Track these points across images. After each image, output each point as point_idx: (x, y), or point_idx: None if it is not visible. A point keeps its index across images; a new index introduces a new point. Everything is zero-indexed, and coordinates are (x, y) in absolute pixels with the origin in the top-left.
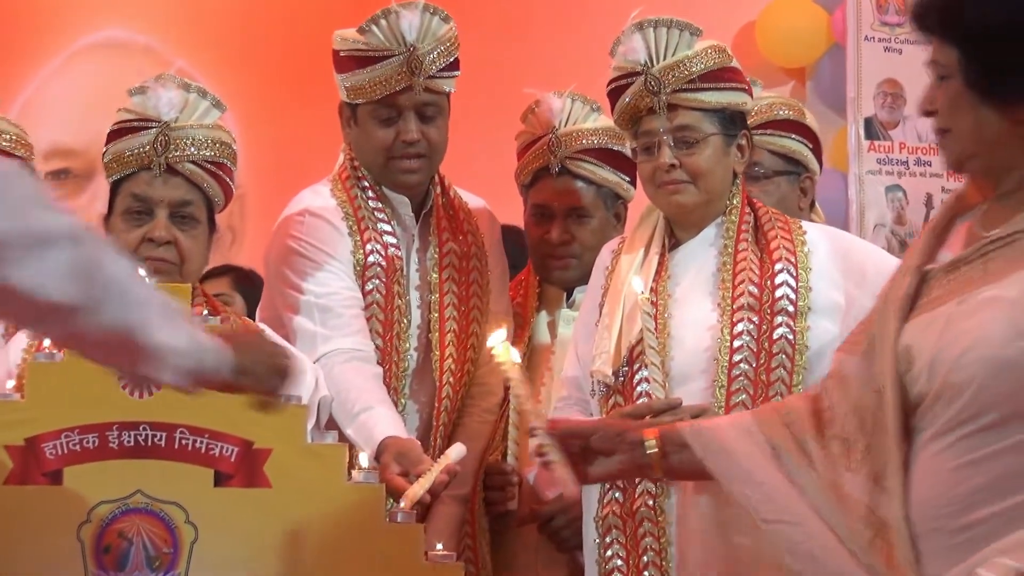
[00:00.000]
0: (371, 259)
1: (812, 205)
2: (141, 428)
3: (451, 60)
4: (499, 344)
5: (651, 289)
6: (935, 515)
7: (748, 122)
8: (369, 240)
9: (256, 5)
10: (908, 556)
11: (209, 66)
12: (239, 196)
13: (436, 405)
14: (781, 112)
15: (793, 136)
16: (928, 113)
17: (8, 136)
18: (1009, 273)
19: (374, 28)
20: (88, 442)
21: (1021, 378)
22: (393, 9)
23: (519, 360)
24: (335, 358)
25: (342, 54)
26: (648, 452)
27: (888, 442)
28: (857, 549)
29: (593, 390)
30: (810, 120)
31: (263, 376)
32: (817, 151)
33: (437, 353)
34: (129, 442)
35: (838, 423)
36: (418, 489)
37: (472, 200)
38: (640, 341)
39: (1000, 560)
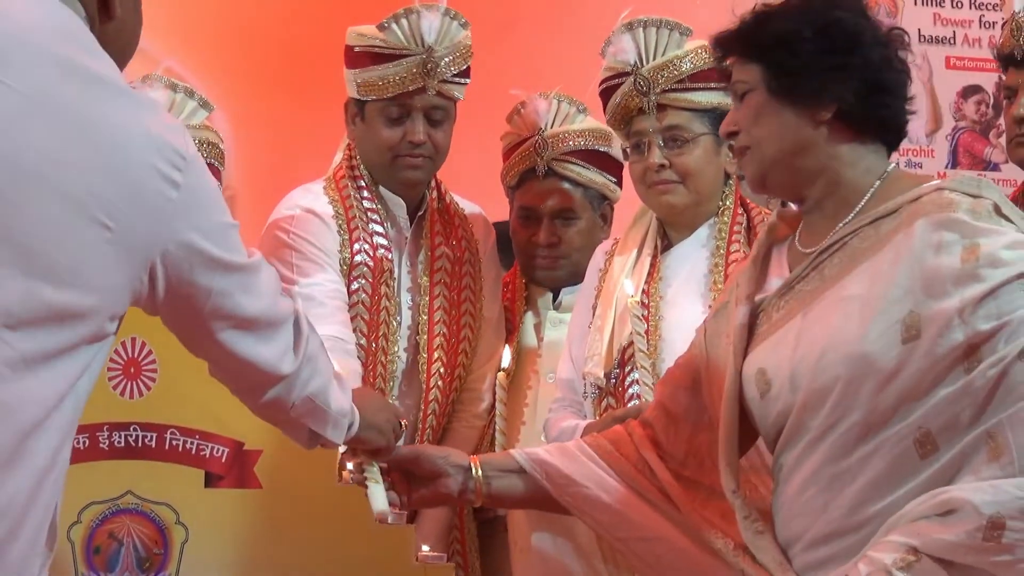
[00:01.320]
0: (358, 258)
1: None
2: (131, 429)
3: (464, 67)
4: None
5: (642, 291)
6: (828, 519)
7: None
8: (357, 239)
9: (248, 6)
10: (776, 558)
11: (200, 67)
12: (230, 197)
13: (423, 408)
14: None
15: None
16: (730, 135)
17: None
18: (846, 274)
19: (394, 26)
20: (78, 442)
21: (881, 371)
22: (415, 9)
23: (510, 362)
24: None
25: (356, 49)
26: (473, 476)
27: (726, 479)
28: (728, 558)
29: (585, 392)
30: None
31: (385, 433)
32: None
33: (425, 356)
34: (119, 443)
35: (677, 461)
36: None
37: (468, 206)
38: (631, 343)
39: (889, 539)
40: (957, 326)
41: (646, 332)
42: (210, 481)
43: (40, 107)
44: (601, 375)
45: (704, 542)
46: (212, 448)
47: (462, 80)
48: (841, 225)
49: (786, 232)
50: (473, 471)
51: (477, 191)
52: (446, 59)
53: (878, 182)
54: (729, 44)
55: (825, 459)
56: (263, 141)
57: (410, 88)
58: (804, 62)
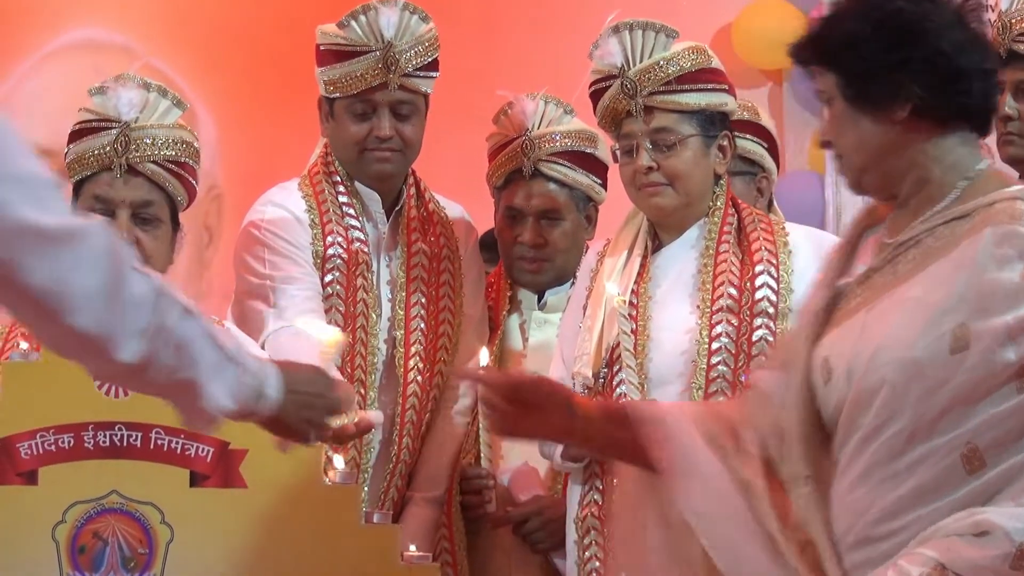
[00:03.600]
0: (330, 251)
1: (770, 205)
2: (117, 428)
3: (429, 61)
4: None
5: (632, 291)
6: (867, 521)
7: None
8: (331, 233)
9: (234, 6)
10: (835, 571)
11: (187, 67)
12: (216, 196)
13: (402, 403)
14: (740, 114)
15: (748, 136)
16: (825, 144)
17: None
18: (916, 272)
19: (353, 23)
20: (63, 442)
21: (928, 379)
22: (372, 5)
23: (487, 363)
24: (283, 333)
25: (322, 48)
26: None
27: (796, 464)
28: (786, 552)
29: (582, 391)
30: (765, 120)
31: (302, 425)
32: (773, 151)
33: (401, 351)
34: (104, 442)
35: (759, 442)
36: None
37: (449, 205)
38: (619, 344)
39: (920, 551)
40: (1008, 345)
41: (634, 332)
42: (195, 481)
43: None
44: (589, 375)
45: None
46: (197, 448)
47: (428, 74)
48: (919, 221)
49: (884, 212)
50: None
51: (463, 192)
52: (407, 53)
53: (965, 181)
54: (804, 53)
55: (876, 460)
56: (249, 141)
57: (372, 84)
58: (869, 64)
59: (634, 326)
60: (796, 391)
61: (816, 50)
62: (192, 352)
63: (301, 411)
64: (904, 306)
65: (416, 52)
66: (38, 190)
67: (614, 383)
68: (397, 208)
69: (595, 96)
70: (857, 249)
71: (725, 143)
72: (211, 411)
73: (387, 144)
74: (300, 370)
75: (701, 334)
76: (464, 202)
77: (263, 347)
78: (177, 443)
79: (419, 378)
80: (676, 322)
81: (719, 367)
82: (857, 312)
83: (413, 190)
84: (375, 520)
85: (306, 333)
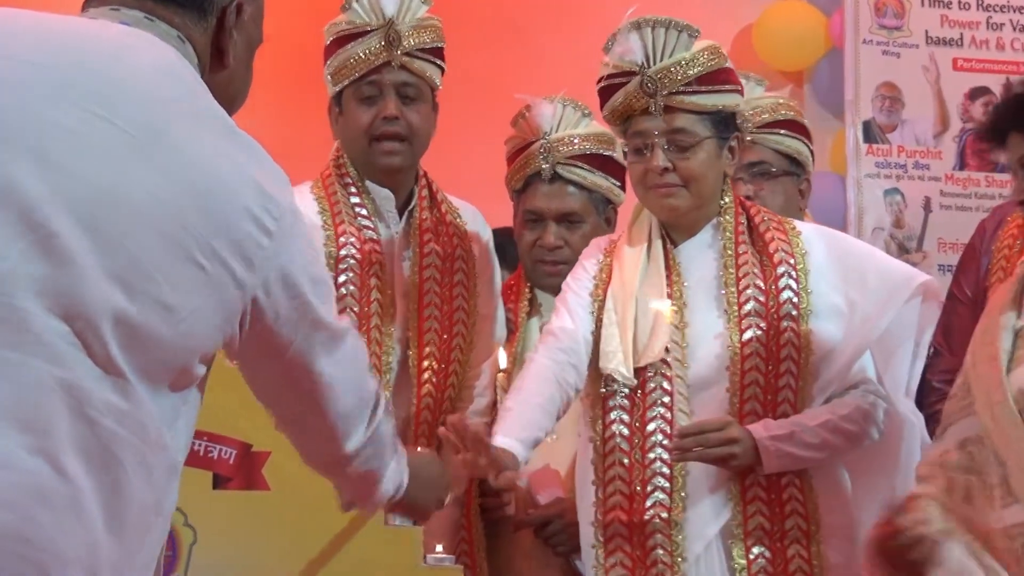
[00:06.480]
0: (344, 251)
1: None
2: None
3: (432, 46)
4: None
5: (666, 295)
6: None
7: (754, 121)
8: (343, 233)
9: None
10: None
11: None
12: None
13: (416, 403)
14: (787, 113)
15: (797, 136)
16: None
17: None
18: None
19: (355, 4)
20: None
21: None
22: None
23: (506, 365)
24: None
25: (328, 40)
26: None
27: None
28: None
29: (604, 389)
30: (807, 122)
31: (427, 506)
32: (812, 154)
33: (415, 352)
34: None
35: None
36: None
37: (462, 205)
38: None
39: None
40: None
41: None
42: (218, 483)
43: (145, 145)
44: (631, 376)
45: None
46: (220, 450)
47: (432, 59)
48: None
49: None
50: None
51: (481, 195)
52: (408, 32)
53: None
54: (1004, 123)
55: None
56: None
57: (376, 63)
58: None
59: (679, 335)
60: (1010, 419)
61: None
62: (383, 446)
63: (426, 493)
64: None
65: (417, 31)
66: (327, 292)
67: (648, 388)
68: (409, 209)
69: (605, 92)
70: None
71: (735, 144)
72: (381, 500)
73: (393, 127)
74: (416, 455)
75: (732, 339)
76: (483, 205)
77: None
78: (200, 445)
79: (433, 379)
80: (705, 327)
81: (752, 373)
82: None
83: (425, 191)
84: (396, 522)
85: None
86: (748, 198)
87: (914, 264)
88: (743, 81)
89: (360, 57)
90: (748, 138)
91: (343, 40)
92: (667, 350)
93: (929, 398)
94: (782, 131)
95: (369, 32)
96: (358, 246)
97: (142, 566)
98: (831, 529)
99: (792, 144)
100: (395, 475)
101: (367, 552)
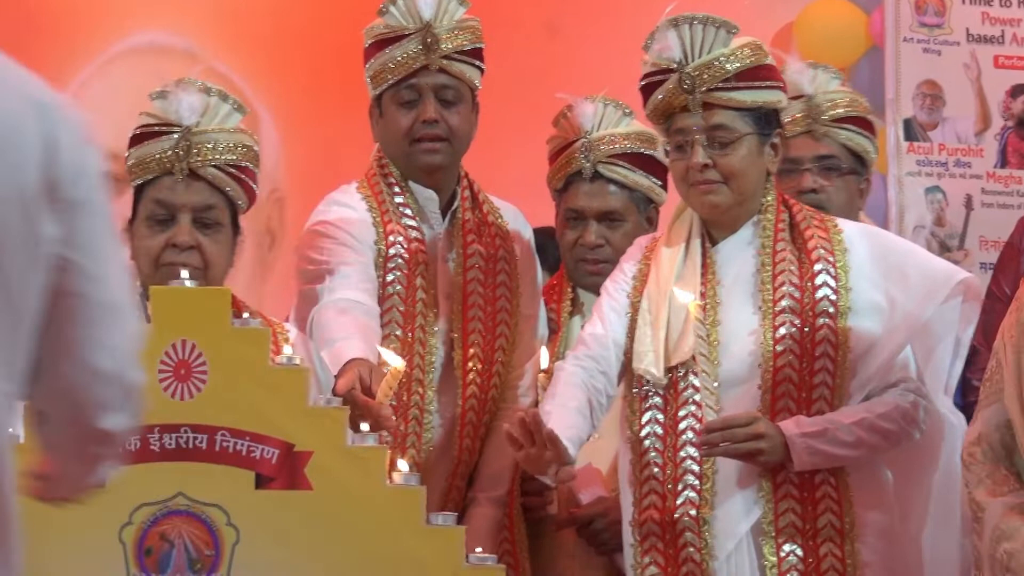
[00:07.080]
0: (392, 251)
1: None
2: (182, 430)
3: (470, 47)
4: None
5: (700, 293)
6: None
7: (828, 114)
8: (392, 232)
9: (296, 9)
10: None
11: (249, 70)
12: (278, 199)
13: (461, 404)
14: (861, 110)
15: (868, 136)
16: None
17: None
18: None
19: (392, 8)
20: (129, 444)
21: None
22: None
23: (547, 364)
24: (330, 307)
25: (367, 44)
26: None
27: None
28: None
29: (636, 389)
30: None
31: None
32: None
33: (460, 352)
34: (170, 444)
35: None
36: (382, 397)
37: (503, 206)
38: (683, 347)
39: None
40: None
41: (706, 337)
42: (260, 483)
43: None
44: (662, 376)
45: None
46: (262, 450)
47: (471, 60)
48: None
49: None
50: None
51: (523, 195)
52: (446, 35)
53: None
54: None
55: None
56: (311, 143)
57: (414, 67)
58: None
59: (708, 331)
60: None
61: None
62: None
63: None
64: None
65: (455, 34)
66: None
67: (679, 387)
68: (452, 209)
69: (646, 90)
70: None
71: (777, 141)
72: None
73: (433, 129)
74: None
75: (765, 336)
76: (525, 205)
77: (311, 323)
78: (242, 445)
79: (478, 379)
80: (739, 324)
81: (785, 370)
82: None
83: (467, 192)
84: (439, 522)
85: (351, 309)
86: (813, 191)
87: (956, 262)
88: (820, 72)
89: (398, 61)
90: (821, 130)
91: (381, 44)
92: (698, 349)
93: (969, 397)
94: (854, 127)
95: (407, 36)
96: (405, 245)
97: None
98: (867, 527)
99: (862, 142)
100: None
101: (409, 552)
